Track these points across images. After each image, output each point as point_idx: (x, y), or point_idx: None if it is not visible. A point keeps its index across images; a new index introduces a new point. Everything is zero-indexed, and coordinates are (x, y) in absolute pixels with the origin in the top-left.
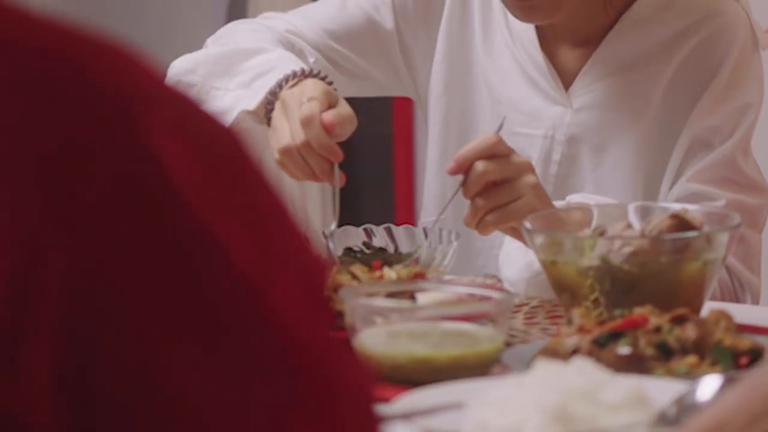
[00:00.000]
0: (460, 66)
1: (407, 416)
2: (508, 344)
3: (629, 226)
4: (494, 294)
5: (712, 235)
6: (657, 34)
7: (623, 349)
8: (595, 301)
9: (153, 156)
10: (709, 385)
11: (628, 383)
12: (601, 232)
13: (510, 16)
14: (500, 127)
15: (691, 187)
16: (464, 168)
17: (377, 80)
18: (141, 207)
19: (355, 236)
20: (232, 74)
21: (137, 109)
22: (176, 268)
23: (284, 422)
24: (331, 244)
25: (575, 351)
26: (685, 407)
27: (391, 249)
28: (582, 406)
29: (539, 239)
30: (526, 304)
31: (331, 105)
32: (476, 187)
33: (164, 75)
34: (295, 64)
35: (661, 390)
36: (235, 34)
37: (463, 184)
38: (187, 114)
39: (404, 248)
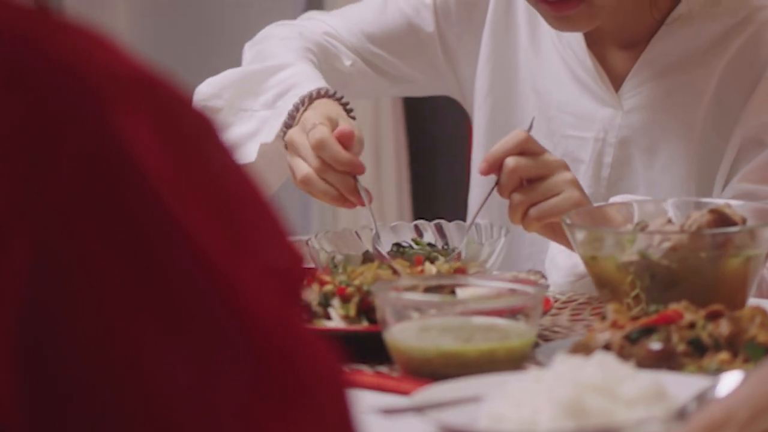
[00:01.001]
0: (505, 68)
1: (422, 409)
2: (548, 340)
3: (670, 221)
4: (532, 289)
5: (755, 231)
6: (705, 32)
7: (654, 345)
8: (636, 298)
9: (119, 138)
10: (731, 382)
11: (647, 378)
12: (642, 228)
13: None
14: (530, 127)
15: (743, 186)
16: (496, 166)
17: (420, 83)
18: (105, 188)
19: (406, 232)
20: (257, 93)
21: (105, 91)
22: (138, 249)
23: (248, 401)
24: (378, 246)
25: (607, 346)
26: (706, 404)
27: (440, 245)
28: (597, 400)
29: (580, 234)
30: (575, 301)
31: (334, 127)
32: (511, 185)
33: (140, 58)
34: (312, 83)
35: (682, 386)
36: (269, 40)
37: (498, 182)
38: (158, 97)
39: (455, 244)
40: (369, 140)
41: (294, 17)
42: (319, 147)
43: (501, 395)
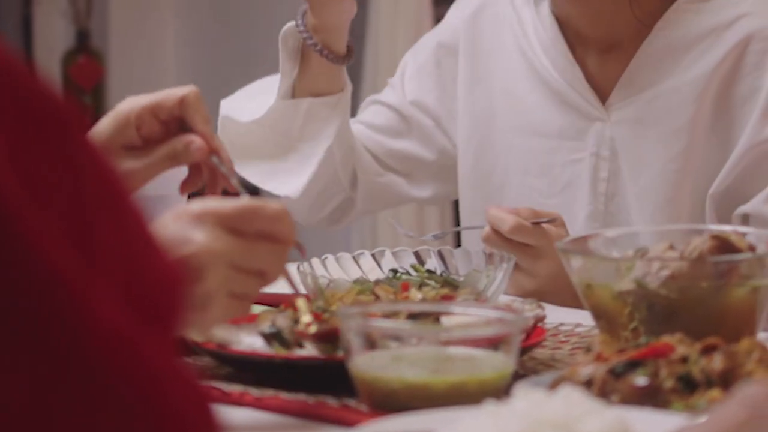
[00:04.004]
0: (484, 116)
1: None
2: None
3: (672, 247)
4: (512, 318)
5: (764, 259)
6: (691, 33)
7: (639, 380)
8: (635, 330)
9: None
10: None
11: (612, 416)
12: (642, 254)
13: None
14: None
15: (760, 210)
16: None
17: (427, 160)
18: None
19: (407, 258)
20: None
21: None
22: None
23: (88, 425)
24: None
25: (589, 381)
26: None
27: (442, 272)
28: None
29: (576, 261)
30: (577, 334)
31: None
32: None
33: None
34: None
35: (652, 425)
36: None
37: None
38: (10, 96)
39: (462, 271)
40: None
41: None
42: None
43: (451, 430)
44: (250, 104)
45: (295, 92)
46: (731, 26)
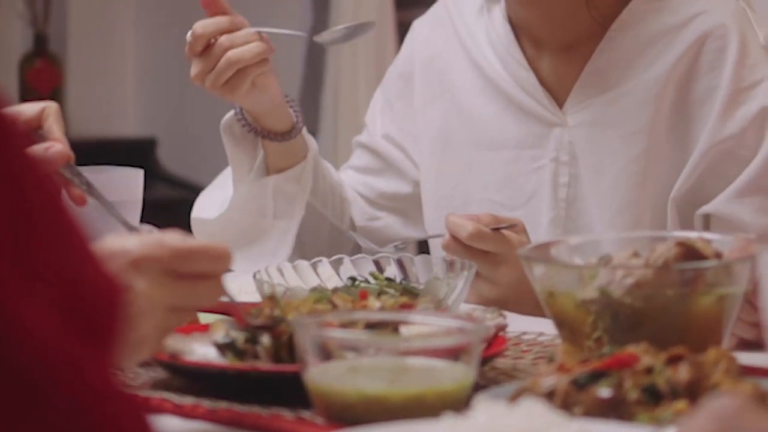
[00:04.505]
0: (439, 146)
1: None
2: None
3: (636, 254)
4: (472, 327)
5: (730, 266)
6: (647, 34)
7: (603, 392)
8: (598, 340)
9: None
10: None
11: (575, 428)
12: (606, 262)
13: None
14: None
15: (722, 210)
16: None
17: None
18: None
19: (366, 265)
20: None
21: None
22: None
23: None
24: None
25: (551, 393)
26: None
27: (401, 280)
28: None
29: (539, 269)
30: (539, 343)
31: None
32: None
33: None
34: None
35: None
36: None
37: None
38: None
39: (422, 279)
40: None
41: (301, 18)
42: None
43: None
44: (215, 200)
45: (264, 170)
46: (687, 25)
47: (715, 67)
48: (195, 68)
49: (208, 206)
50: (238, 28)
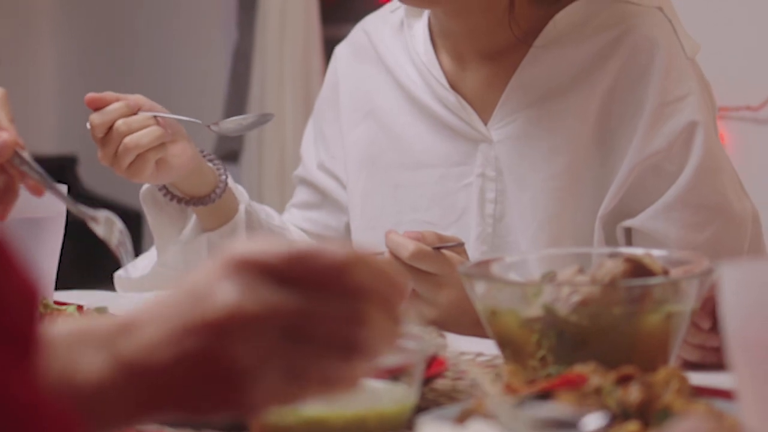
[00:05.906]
0: (365, 170)
1: None
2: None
3: (581, 271)
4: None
5: (678, 283)
6: (577, 55)
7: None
8: (543, 360)
9: None
10: None
11: None
12: (550, 278)
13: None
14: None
15: (647, 225)
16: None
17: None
18: None
19: None
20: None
21: None
22: None
23: None
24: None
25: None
26: None
27: None
28: None
29: (481, 287)
30: (479, 364)
31: None
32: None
33: None
34: None
35: None
36: None
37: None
38: None
39: None
40: None
41: (227, 19)
42: None
43: None
44: (140, 261)
45: (198, 230)
46: (612, 40)
47: (640, 81)
48: (100, 152)
49: (131, 268)
50: (134, 112)
